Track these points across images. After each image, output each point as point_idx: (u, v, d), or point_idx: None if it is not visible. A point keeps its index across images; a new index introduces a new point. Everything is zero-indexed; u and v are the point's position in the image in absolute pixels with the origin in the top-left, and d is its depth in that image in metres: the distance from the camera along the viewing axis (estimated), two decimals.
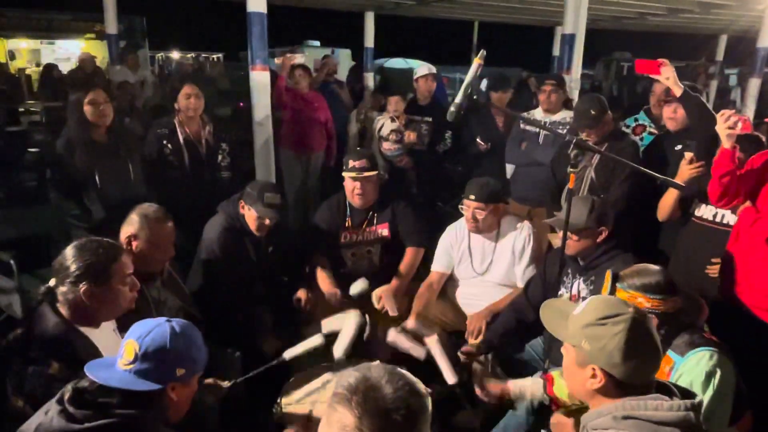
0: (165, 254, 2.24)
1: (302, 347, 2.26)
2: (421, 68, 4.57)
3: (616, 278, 1.82)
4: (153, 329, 1.40)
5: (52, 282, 1.72)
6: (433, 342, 2.34)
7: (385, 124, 4.50)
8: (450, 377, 2.25)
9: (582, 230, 2.32)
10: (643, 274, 1.77)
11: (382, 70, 12.17)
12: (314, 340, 2.27)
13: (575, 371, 1.36)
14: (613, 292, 1.81)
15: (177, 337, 1.39)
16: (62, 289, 1.68)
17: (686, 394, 1.31)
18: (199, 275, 2.75)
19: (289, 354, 2.25)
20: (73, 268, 1.67)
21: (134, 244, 2.14)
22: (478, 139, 4.09)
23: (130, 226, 2.18)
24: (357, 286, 2.75)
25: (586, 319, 1.33)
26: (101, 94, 3.01)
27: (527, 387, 2.07)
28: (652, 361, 1.31)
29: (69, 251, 1.71)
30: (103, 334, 1.75)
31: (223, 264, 2.71)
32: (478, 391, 2.09)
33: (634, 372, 1.28)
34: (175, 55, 18.56)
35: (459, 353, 2.56)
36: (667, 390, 1.31)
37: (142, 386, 1.34)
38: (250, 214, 2.75)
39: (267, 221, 2.74)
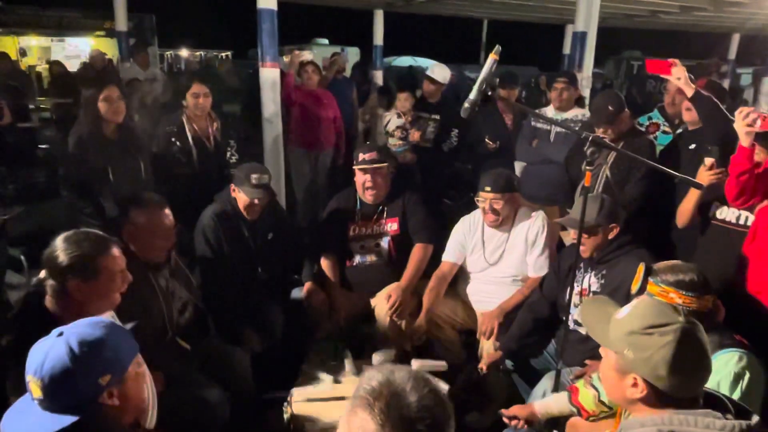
0: (165, 241, 2.23)
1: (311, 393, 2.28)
2: (434, 70, 4.49)
3: (648, 271, 1.78)
4: (47, 356, 1.22)
5: (42, 274, 1.69)
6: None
7: (391, 120, 4.49)
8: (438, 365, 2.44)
9: (593, 228, 2.32)
10: (677, 270, 1.74)
11: (389, 69, 12.13)
12: (323, 387, 2.31)
13: (614, 377, 1.29)
14: (644, 285, 1.77)
15: (77, 353, 1.22)
16: (51, 282, 1.65)
17: (741, 412, 1.20)
18: (200, 265, 2.76)
19: (297, 392, 2.25)
20: (60, 259, 1.64)
21: (132, 231, 2.14)
22: (486, 139, 4.06)
23: (128, 218, 2.18)
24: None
25: (631, 326, 1.25)
26: (115, 91, 3.02)
27: (552, 405, 2.02)
28: (700, 375, 1.22)
29: (58, 243, 1.68)
30: None
31: (217, 249, 2.73)
32: (505, 419, 2.03)
33: (680, 386, 1.19)
34: (184, 52, 18.63)
35: (480, 368, 2.55)
36: (720, 404, 1.21)
37: (65, 423, 1.19)
38: (240, 197, 2.77)
39: (256, 201, 2.74)
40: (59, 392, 1.20)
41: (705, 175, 2.54)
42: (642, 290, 1.81)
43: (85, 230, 1.73)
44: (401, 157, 4.41)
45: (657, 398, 1.22)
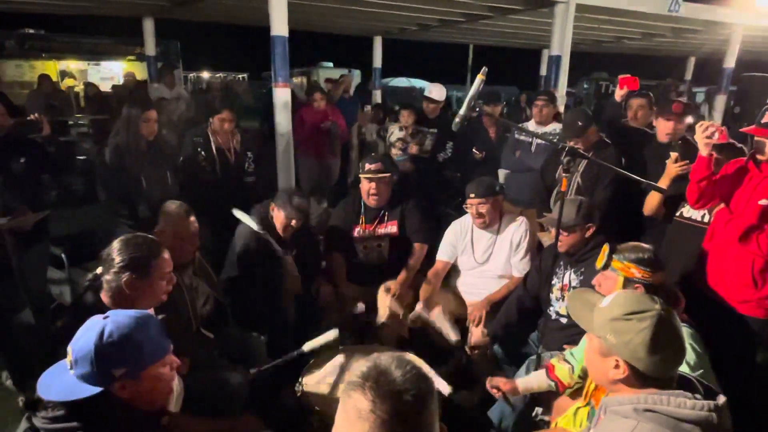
0: (191, 245, 2.23)
1: (319, 341, 2.26)
2: (432, 90, 4.46)
3: (613, 250, 1.88)
4: (84, 333, 1.23)
5: (99, 270, 1.70)
6: (436, 313, 2.63)
7: (394, 133, 4.49)
8: (452, 336, 2.56)
9: (571, 227, 2.32)
10: (637, 250, 1.86)
11: (386, 88, 12.15)
12: (330, 335, 2.27)
13: (598, 360, 1.28)
14: (609, 262, 1.89)
15: (104, 339, 1.21)
16: (107, 277, 1.66)
17: (709, 393, 1.21)
18: (233, 268, 2.72)
19: (308, 346, 2.23)
20: (118, 259, 1.65)
21: (162, 237, 2.11)
22: (474, 149, 4.07)
23: (158, 224, 2.19)
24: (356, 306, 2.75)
25: (612, 313, 1.25)
26: (155, 114, 3.05)
27: (532, 381, 2.02)
28: (676, 356, 1.22)
29: (116, 244, 1.70)
30: None
31: (254, 259, 2.69)
32: (488, 387, 2.03)
33: (658, 366, 1.19)
34: (206, 74, 18.63)
35: (467, 348, 2.55)
36: (690, 386, 1.22)
37: (79, 394, 1.19)
38: (278, 215, 2.74)
39: (293, 222, 2.72)
40: (81, 366, 1.21)
41: (672, 168, 2.54)
42: (606, 266, 1.90)
43: (140, 234, 1.75)
44: (401, 166, 4.41)
45: (636, 379, 1.22)
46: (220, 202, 3.01)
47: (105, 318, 1.25)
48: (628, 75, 3.39)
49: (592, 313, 1.31)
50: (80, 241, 3.18)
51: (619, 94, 3.45)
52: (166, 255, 1.75)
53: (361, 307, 2.80)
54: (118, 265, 1.65)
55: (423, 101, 4.45)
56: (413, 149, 4.34)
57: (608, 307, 1.27)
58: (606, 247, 1.92)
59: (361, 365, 0.99)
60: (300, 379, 2.09)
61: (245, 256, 2.67)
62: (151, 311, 1.81)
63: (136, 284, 1.66)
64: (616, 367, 1.23)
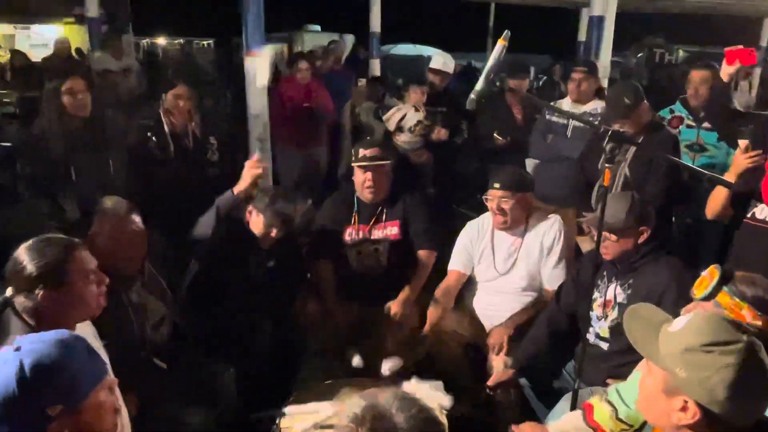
0: (135, 252, 2.21)
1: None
2: (436, 59, 4.49)
3: (724, 278, 1.70)
4: None
5: (8, 291, 1.67)
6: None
7: (408, 115, 4.45)
8: (444, 402, 2.13)
9: (621, 230, 2.29)
10: (758, 285, 1.68)
11: (387, 58, 12.15)
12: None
13: (660, 398, 1.24)
14: (715, 292, 1.70)
15: (28, 375, 1.18)
16: (19, 299, 1.64)
17: None
18: (193, 278, 2.73)
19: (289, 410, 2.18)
20: (25, 273, 1.62)
21: (97, 242, 2.11)
22: (495, 134, 4.07)
23: (92, 226, 2.16)
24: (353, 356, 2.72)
25: (687, 341, 1.20)
26: (80, 83, 3.03)
27: (566, 426, 1.98)
28: (764, 399, 1.18)
29: (19, 254, 1.66)
30: None
31: (222, 269, 2.70)
32: None
33: (740, 411, 1.15)
34: (162, 41, 18.65)
35: (486, 386, 2.53)
36: None
37: None
38: (256, 221, 2.73)
39: (274, 232, 2.72)
40: (4, 414, 1.17)
41: (741, 160, 2.51)
42: (710, 296, 1.72)
43: (44, 236, 1.72)
44: (416, 156, 4.39)
45: (710, 425, 1.18)
46: (175, 201, 3.01)
47: (17, 350, 1.23)
48: (739, 46, 3.08)
49: (656, 338, 1.28)
50: (2, 248, 3.16)
51: (726, 72, 3.15)
52: (82, 253, 1.72)
53: (357, 360, 2.76)
54: (27, 279, 1.62)
55: (429, 74, 4.47)
56: (441, 134, 4.32)
57: (682, 332, 1.24)
58: (714, 271, 1.74)
59: (354, 404, 0.97)
60: (277, 421, 2.09)
61: (209, 254, 2.66)
62: (91, 332, 1.81)
63: (57, 297, 1.64)
64: (684, 409, 1.19)
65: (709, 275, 1.72)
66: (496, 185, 2.76)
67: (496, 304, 2.88)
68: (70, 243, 1.72)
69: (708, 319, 1.25)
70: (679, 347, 1.21)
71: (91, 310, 1.74)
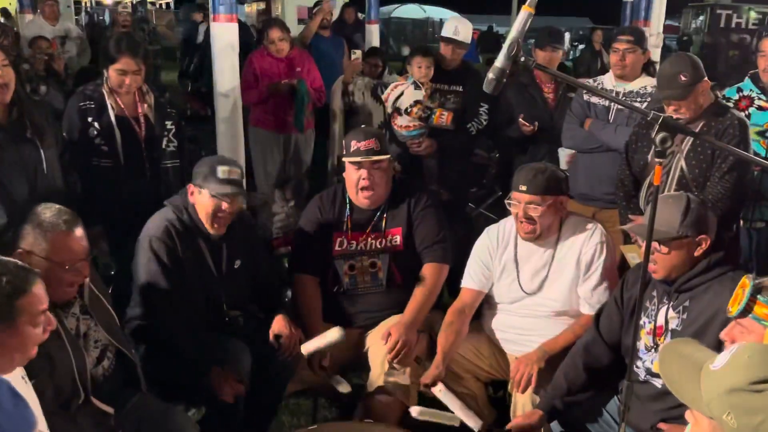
0: (77, 276, 2.21)
1: (319, 342, 2.58)
2: (447, 26, 4.49)
3: (758, 287, 1.75)
4: None
5: None
6: (438, 391, 2.61)
7: (405, 93, 4.45)
8: (474, 422, 2.48)
9: (672, 239, 2.29)
10: None
11: (388, 22, 12.17)
12: (331, 334, 2.58)
13: None
14: (750, 305, 1.75)
15: None
16: None
17: None
18: (138, 295, 2.74)
19: (305, 348, 2.53)
20: None
21: (28, 261, 2.07)
22: (521, 120, 4.08)
23: (22, 239, 2.15)
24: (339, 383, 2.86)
25: (732, 381, 1.22)
26: None
27: None
28: None
29: None
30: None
31: (170, 272, 2.70)
32: None
33: None
34: (109, 0, 18.71)
35: (508, 431, 2.54)
36: None
37: None
38: (202, 200, 2.73)
39: (225, 205, 2.71)
40: None
41: None
42: (746, 311, 1.78)
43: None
44: (416, 145, 4.39)
45: None
46: (124, 202, 3.01)
47: None
48: None
49: (698, 379, 1.29)
50: None
51: None
52: (38, 289, 1.73)
53: (344, 385, 2.81)
54: None
55: (440, 45, 4.46)
56: (443, 118, 4.33)
57: (725, 370, 1.25)
58: (745, 282, 1.80)
59: None
60: None
61: (156, 266, 2.67)
62: (19, 373, 1.81)
63: None
64: None
65: (741, 288, 1.78)
66: (522, 187, 2.74)
67: (524, 329, 2.88)
68: (28, 275, 1.72)
69: (754, 350, 1.26)
70: (724, 388, 1.23)
71: (28, 355, 1.73)
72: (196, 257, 2.79)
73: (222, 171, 2.69)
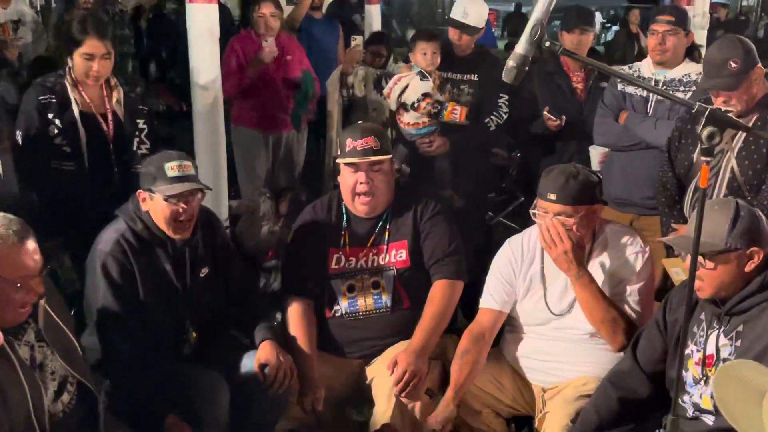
0: (27, 293, 2.19)
1: None
2: (457, 7, 4.48)
3: None
4: None
5: None
6: None
7: (411, 85, 4.47)
8: None
9: (721, 253, 2.29)
10: None
11: (390, 4, 12.22)
12: None
13: None
14: None
15: None
16: None
17: None
18: (97, 319, 2.75)
19: None
20: None
21: None
22: (546, 113, 4.09)
23: None
24: None
25: None
26: None
27: None
28: None
29: None
30: None
31: (125, 291, 2.72)
32: None
33: None
34: None
35: None
36: None
37: None
38: (155, 206, 2.75)
39: (181, 208, 2.73)
40: None
41: None
42: None
43: None
44: (426, 145, 4.40)
45: None
46: (89, 210, 3.01)
47: None
48: None
49: (759, 405, 1.30)
50: None
51: None
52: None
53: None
54: None
55: (449, 28, 4.48)
56: (457, 114, 4.35)
57: None
58: None
59: None
60: None
61: (107, 289, 2.68)
62: None
63: None
64: None
65: None
66: (551, 195, 2.73)
67: (549, 357, 2.88)
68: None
69: None
70: None
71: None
72: (154, 271, 2.81)
73: (171, 168, 2.71)
